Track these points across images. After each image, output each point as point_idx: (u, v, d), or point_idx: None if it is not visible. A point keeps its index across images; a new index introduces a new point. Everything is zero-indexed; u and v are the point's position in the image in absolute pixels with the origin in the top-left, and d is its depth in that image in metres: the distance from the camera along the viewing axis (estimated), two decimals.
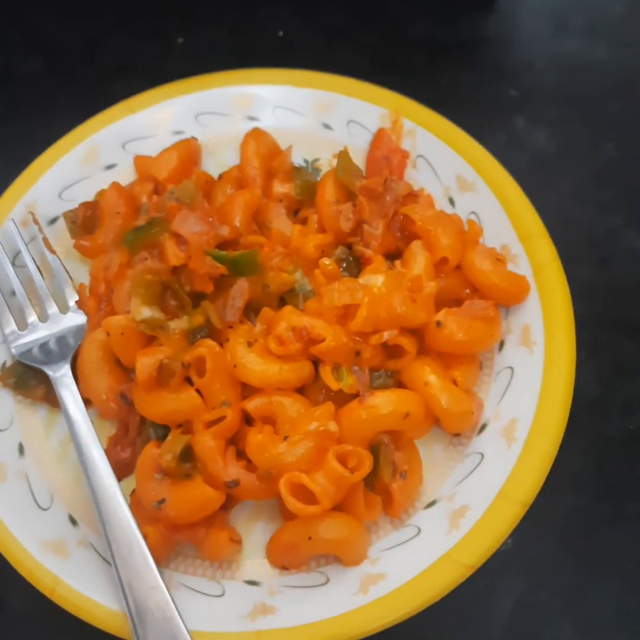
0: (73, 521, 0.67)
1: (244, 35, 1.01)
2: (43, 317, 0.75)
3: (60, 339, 0.73)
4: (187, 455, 0.65)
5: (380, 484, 0.66)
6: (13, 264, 0.77)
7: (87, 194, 0.81)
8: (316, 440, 0.63)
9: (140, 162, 0.82)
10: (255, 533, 0.67)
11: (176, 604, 0.60)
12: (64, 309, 0.75)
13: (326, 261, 0.72)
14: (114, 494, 0.64)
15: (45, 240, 0.78)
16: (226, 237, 0.73)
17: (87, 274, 0.79)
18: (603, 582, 0.69)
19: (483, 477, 0.67)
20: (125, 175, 0.83)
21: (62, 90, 0.97)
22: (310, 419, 0.64)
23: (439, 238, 0.72)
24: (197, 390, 0.66)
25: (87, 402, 0.70)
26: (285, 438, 0.63)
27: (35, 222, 0.78)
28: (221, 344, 0.68)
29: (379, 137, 0.83)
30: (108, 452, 0.68)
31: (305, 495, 0.61)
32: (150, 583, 0.61)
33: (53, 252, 0.78)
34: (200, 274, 0.69)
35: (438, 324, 0.68)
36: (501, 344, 0.74)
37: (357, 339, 0.68)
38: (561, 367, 0.70)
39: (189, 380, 0.67)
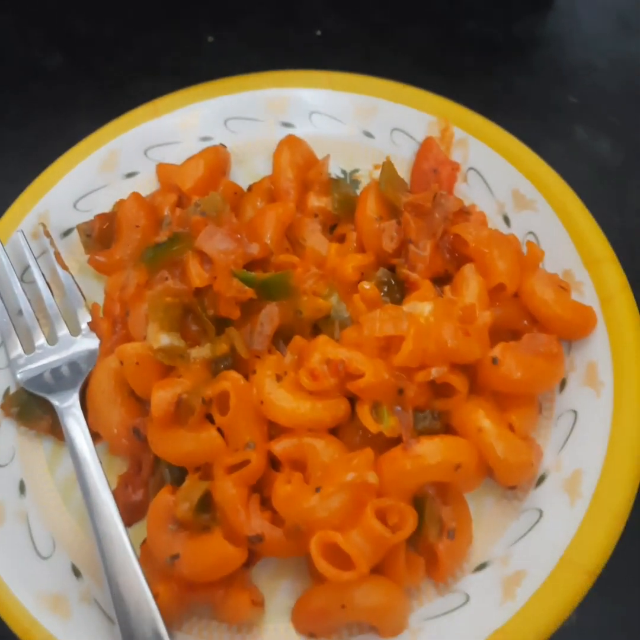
0: (76, 572, 0.60)
1: (279, 34, 0.95)
2: (52, 340, 0.68)
3: (70, 365, 0.67)
4: (206, 504, 0.57)
5: (424, 543, 0.58)
6: (21, 280, 0.70)
7: (104, 204, 0.75)
8: (353, 493, 0.55)
9: (164, 170, 0.76)
10: (279, 594, 0.60)
11: None
12: (75, 331, 0.69)
13: (366, 285, 0.65)
14: (122, 545, 0.57)
15: (57, 254, 0.72)
16: (255, 256, 0.66)
17: (102, 292, 0.72)
18: None
19: (542, 538, 0.59)
20: (147, 184, 0.77)
21: (84, 89, 0.92)
22: (346, 467, 0.56)
23: (495, 262, 0.65)
24: (219, 429, 0.59)
25: (96, 435, 0.64)
26: (317, 489, 0.56)
27: (47, 234, 0.72)
28: (246, 376, 0.61)
29: (426, 147, 0.76)
30: (117, 493, 0.62)
31: (339, 555, 0.54)
32: None
33: (65, 268, 0.72)
34: (226, 298, 0.62)
35: (494, 360, 0.60)
36: (563, 383, 0.66)
37: (401, 375, 0.60)
38: (633, 412, 0.61)
39: (209, 417, 0.60)
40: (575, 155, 0.84)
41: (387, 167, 0.70)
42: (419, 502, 0.58)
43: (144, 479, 0.64)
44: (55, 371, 0.66)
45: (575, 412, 0.64)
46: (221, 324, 0.64)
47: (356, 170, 0.78)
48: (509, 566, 0.58)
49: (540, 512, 0.60)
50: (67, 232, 0.74)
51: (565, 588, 0.56)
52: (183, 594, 0.56)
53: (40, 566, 0.60)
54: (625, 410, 0.62)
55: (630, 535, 0.58)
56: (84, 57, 0.95)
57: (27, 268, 0.71)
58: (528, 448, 0.60)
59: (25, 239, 0.71)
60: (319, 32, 0.95)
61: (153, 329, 0.61)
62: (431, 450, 0.57)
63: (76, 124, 0.84)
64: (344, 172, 0.78)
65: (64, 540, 0.62)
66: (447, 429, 0.61)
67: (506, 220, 0.73)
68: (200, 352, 0.62)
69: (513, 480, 0.61)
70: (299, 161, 0.74)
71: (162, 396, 0.58)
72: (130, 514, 0.62)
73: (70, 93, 0.92)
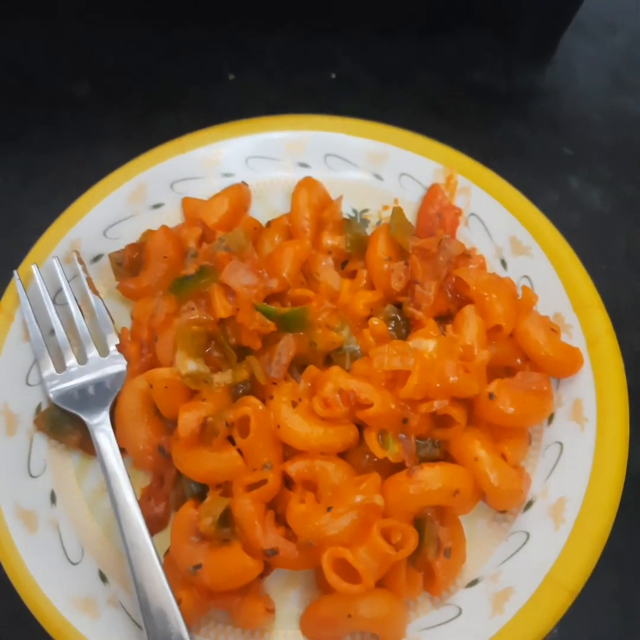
0: (103, 578, 0.65)
1: (296, 74, 1.00)
2: (82, 360, 0.73)
3: (99, 384, 0.71)
4: (226, 518, 0.63)
5: (422, 561, 0.63)
6: (54, 302, 0.75)
7: (132, 232, 0.80)
8: (361, 514, 0.61)
9: (189, 204, 0.81)
10: (289, 602, 0.65)
11: None
12: (103, 352, 0.73)
13: (375, 321, 0.71)
14: (148, 553, 0.62)
15: (88, 279, 0.76)
16: (275, 290, 0.71)
17: (128, 315, 0.78)
18: None
19: (529, 559, 0.65)
20: (172, 215, 0.82)
21: (110, 118, 0.96)
22: (355, 490, 0.62)
23: (494, 304, 0.70)
24: (239, 450, 0.64)
25: (122, 450, 0.68)
26: (329, 509, 0.61)
27: (80, 261, 0.77)
28: (263, 401, 0.66)
29: (432, 193, 0.82)
30: (140, 505, 0.66)
31: (346, 568, 0.59)
32: None
33: (96, 292, 0.76)
34: (249, 330, 0.67)
35: (490, 396, 0.66)
36: (550, 417, 0.71)
37: (406, 405, 0.66)
38: (614, 446, 0.67)
39: (230, 439, 0.65)
40: (568, 204, 0.90)
41: (397, 213, 0.76)
42: (419, 523, 0.63)
43: (165, 492, 0.68)
44: (84, 390, 0.71)
45: (561, 444, 0.70)
46: (242, 352, 0.69)
47: (366, 210, 0.84)
48: (498, 583, 0.64)
49: (528, 535, 0.66)
50: (96, 258, 0.79)
51: (548, 604, 0.61)
52: (203, 601, 0.61)
53: (70, 571, 0.64)
54: (607, 444, 0.67)
55: (608, 558, 0.64)
56: (110, 87, 0.99)
57: (59, 291, 0.75)
58: (518, 476, 0.66)
59: (60, 264, 0.76)
60: (333, 75, 1.00)
61: (181, 356, 0.66)
62: (433, 477, 0.62)
63: (102, 151, 0.90)
64: (354, 211, 0.84)
65: (91, 548, 0.66)
66: (446, 457, 0.67)
67: (503, 263, 0.79)
68: (223, 378, 0.67)
69: (504, 505, 0.67)
70: (315, 201, 0.79)
71: (188, 418, 0.64)
72: (152, 525, 0.67)
73: (97, 121, 0.96)
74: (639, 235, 0.89)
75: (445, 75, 1.01)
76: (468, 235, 0.81)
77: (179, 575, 0.62)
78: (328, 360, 0.71)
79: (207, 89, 0.99)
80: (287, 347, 0.69)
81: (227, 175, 0.84)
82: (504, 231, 0.80)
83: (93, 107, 0.98)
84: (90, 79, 1.01)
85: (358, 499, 0.61)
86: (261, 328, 0.67)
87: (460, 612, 0.63)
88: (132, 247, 0.77)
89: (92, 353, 0.73)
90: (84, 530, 0.67)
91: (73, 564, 0.65)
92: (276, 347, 0.69)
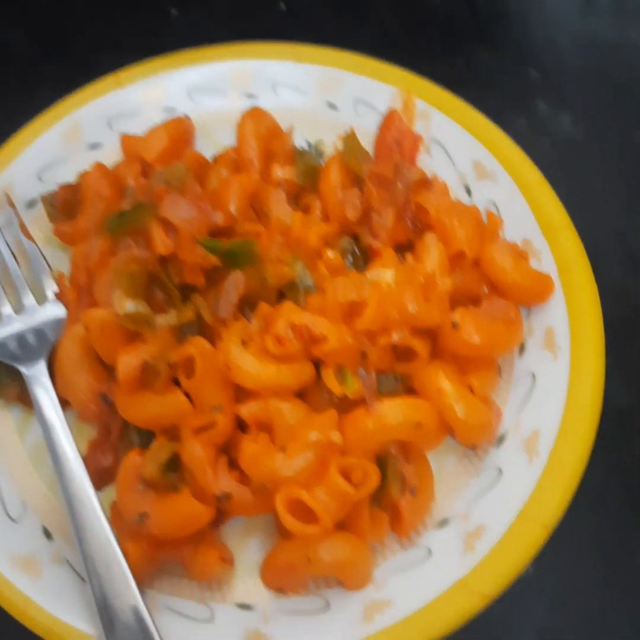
0: (47, 534, 0.61)
1: (244, 8, 0.94)
2: (18, 309, 0.68)
3: (37, 333, 0.67)
4: (174, 465, 0.58)
5: (387, 500, 0.59)
6: None
7: (69, 175, 0.74)
8: (317, 452, 0.56)
9: (128, 141, 0.76)
10: (249, 551, 0.61)
11: (159, 629, 0.55)
12: (41, 300, 0.69)
13: (330, 253, 0.66)
14: (91, 505, 0.58)
15: (21, 225, 0.71)
16: (220, 225, 0.66)
17: (69, 262, 0.72)
18: (634, 609, 0.63)
19: (501, 495, 0.61)
20: (111, 155, 0.76)
21: (47, 63, 0.91)
22: (310, 428, 0.58)
23: (455, 230, 0.66)
24: (186, 393, 0.60)
25: (65, 402, 0.64)
26: (283, 449, 0.57)
27: (11, 204, 0.72)
28: (213, 342, 0.61)
29: (389, 119, 0.77)
30: (87, 458, 0.63)
31: (304, 512, 0.55)
32: (130, 605, 0.55)
33: (30, 238, 0.71)
34: (190, 265, 0.63)
35: (454, 325, 0.62)
36: (522, 348, 0.67)
37: (364, 339, 0.61)
38: (589, 374, 0.63)
39: (176, 382, 0.60)
40: (538, 129, 0.85)
41: (351, 139, 0.71)
42: (381, 460, 0.59)
43: (113, 443, 0.64)
44: (21, 339, 0.66)
45: (533, 374, 0.65)
46: (187, 292, 0.64)
47: (320, 141, 0.78)
48: (470, 521, 0.60)
49: (500, 470, 0.62)
50: (32, 204, 0.74)
51: (522, 541, 0.57)
52: (152, 552, 0.57)
53: (11, 529, 0.60)
54: (582, 373, 0.63)
55: (586, 495, 0.60)
56: (46, 33, 0.94)
57: None
58: (487, 409, 0.62)
59: None
60: (283, 6, 0.94)
61: (118, 296, 0.61)
62: (392, 410, 0.58)
63: (39, 99, 0.84)
64: (308, 143, 0.78)
65: (34, 504, 0.62)
66: (409, 392, 0.63)
67: (468, 190, 0.75)
68: (166, 319, 0.62)
69: (473, 440, 0.63)
70: (263, 132, 0.74)
71: (127, 361, 0.59)
72: (101, 478, 0.63)
73: (33, 69, 0.90)
74: (613, 161, 0.85)
75: (402, 3, 0.95)
76: (429, 163, 0.76)
77: (126, 526, 0.58)
78: (282, 298, 0.66)
79: (149, 27, 0.93)
80: (235, 283, 0.64)
81: (168, 110, 0.79)
82: (467, 156, 0.75)
83: (29, 55, 0.92)
84: (25, 28, 0.94)
85: (313, 436, 0.57)
86: (203, 262, 0.62)
87: (430, 554, 0.60)
88: (65, 188, 0.71)
89: (29, 300, 0.68)
90: (26, 487, 0.63)
91: (13, 521, 0.61)
92: (224, 285, 0.64)
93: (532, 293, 0.67)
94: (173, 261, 0.64)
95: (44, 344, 0.66)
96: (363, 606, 0.57)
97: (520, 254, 0.68)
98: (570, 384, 0.63)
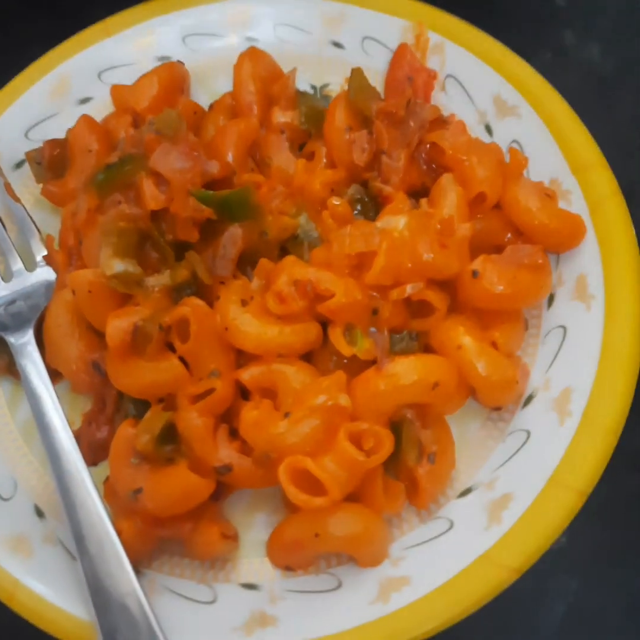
0: (39, 513, 0.57)
1: None
2: (6, 275, 0.65)
3: (26, 299, 0.63)
4: (170, 435, 0.54)
5: (403, 469, 0.55)
6: None
7: (58, 132, 0.69)
8: (324, 417, 0.52)
9: (118, 92, 0.70)
10: (254, 527, 0.57)
11: (157, 613, 0.51)
12: (30, 265, 0.65)
13: (336, 201, 0.61)
14: (82, 481, 0.55)
15: (7, 186, 0.67)
16: (215, 175, 0.61)
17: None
18: None
19: (530, 460, 0.55)
20: (102, 109, 0.71)
21: (35, 21, 0.85)
22: (317, 391, 0.53)
23: (475, 170, 0.60)
24: (181, 358, 0.55)
25: (57, 373, 0.60)
26: (287, 414, 0.52)
27: None
28: (211, 304, 0.57)
29: (399, 54, 0.70)
30: (82, 432, 0.60)
31: (312, 483, 0.51)
32: (125, 587, 0.51)
33: (17, 200, 0.67)
34: (182, 219, 0.58)
35: (474, 273, 0.56)
36: (551, 298, 0.61)
37: (374, 294, 0.56)
38: (625, 325, 0.57)
39: (171, 347, 0.56)
40: (564, 62, 0.79)
41: (357, 75, 0.65)
42: (396, 426, 0.54)
43: (108, 415, 0.60)
44: (10, 306, 0.63)
45: (564, 328, 0.60)
46: (181, 249, 0.59)
47: (326, 85, 0.73)
48: (495, 490, 0.55)
49: (528, 433, 0.57)
50: (19, 164, 0.70)
51: (554, 508, 0.52)
52: (148, 530, 0.53)
53: (1, 507, 0.57)
54: (617, 324, 0.57)
55: (621, 454, 0.54)
56: None
57: None
58: (512, 366, 0.57)
59: None
60: None
61: (106, 255, 0.57)
62: (406, 369, 0.53)
63: (29, 57, 0.79)
64: (313, 87, 0.73)
65: (26, 482, 0.59)
66: (426, 350, 0.58)
67: (488, 129, 0.68)
68: (159, 280, 0.58)
69: (497, 401, 0.57)
70: (262, 74, 0.68)
71: (117, 325, 0.54)
72: (96, 453, 0.59)
73: (21, 27, 0.85)
74: None
75: None
76: (445, 101, 0.70)
77: (121, 503, 0.54)
78: (285, 253, 0.61)
79: None
80: (232, 238, 0.59)
81: (162, 58, 0.73)
82: (487, 91, 0.68)
83: (17, 13, 0.86)
84: None
85: (320, 400, 0.52)
86: (196, 214, 0.57)
87: (451, 526, 0.55)
88: (51, 143, 0.67)
89: (17, 266, 0.65)
90: (18, 464, 0.60)
91: (3, 499, 0.57)
92: (220, 240, 0.59)
93: (561, 236, 0.61)
94: (165, 216, 0.59)
95: (34, 311, 0.62)
96: (378, 585, 0.53)
97: (547, 194, 0.62)
98: (604, 337, 0.57)
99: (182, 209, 0.57)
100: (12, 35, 0.85)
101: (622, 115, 0.77)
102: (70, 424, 0.58)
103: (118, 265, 0.57)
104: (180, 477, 0.52)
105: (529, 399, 0.58)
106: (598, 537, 0.59)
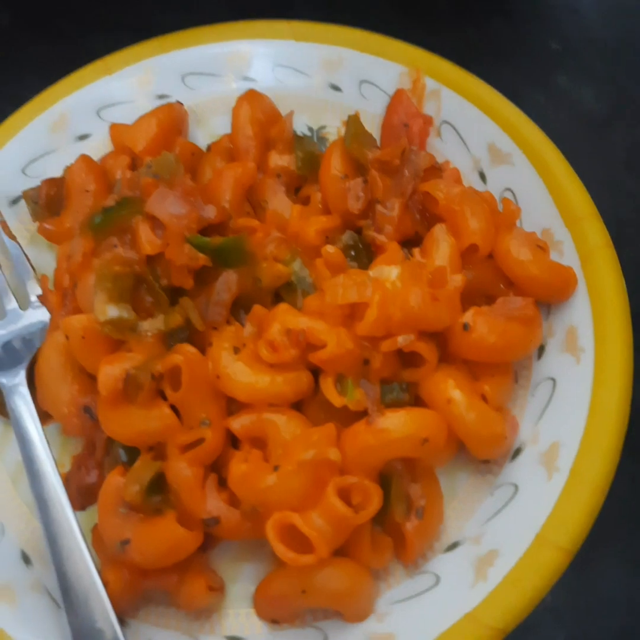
0: (26, 559, 0.57)
1: None
2: (0, 314, 0.64)
3: (20, 339, 0.63)
4: (159, 485, 0.54)
5: (391, 523, 0.55)
6: None
7: (56, 169, 0.70)
8: (313, 471, 0.52)
9: (117, 131, 0.71)
10: (240, 578, 0.57)
11: None
12: (24, 304, 0.65)
13: (330, 249, 0.61)
14: (70, 531, 0.54)
15: (3, 224, 0.67)
16: (212, 220, 0.61)
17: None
18: None
19: (517, 515, 0.55)
20: (100, 146, 0.72)
21: (35, 47, 0.85)
22: (306, 444, 0.53)
23: (467, 221, 0.60)
24: (173, 407, 0.55)
25: (48, 415, 0.60)
26: (276, 468, 0.52)
27: None
28: (203, 349, 0.57)
29: (396, 100, 0.71)
30: (71, 475, 0.59)
31: (299, 537, 0.50)
32: (109, 638, 0.51)
33: (13, 238, 0.67)
34: (177, 266, 0.58)
35: (465, 326, 0.56)
36: (541, 349, 0.62)
37: (366, 344, 0.56)
38: (615, 380, 0.57)
39: (163, 395, 0.56)
40: (557, 105, 0.79)
41: (354, 122, 0.66)
42: (385, 479, 0.54)
43: (98, 459, 0.60)
44: (3, 346, 0.62)
45: (554, 380, 0.60)
46: (176, 294, 0.59)
47: (323, 127, 0.73)
48: (482, 545, 0.55)
49: (516, 487, 0.57)
50: (16, 200, 0.70)
51: (539, 567, 0.52)
52: (135, 581, 0.53)
53: None
54: (606, 378, 0.57)
55: (609, 511, 0.55)
56: (34, 15, 0.89)
57: None
58: (502, 420, 0.57)
59: None
60: None
61: (100, 300, 0.57)
62: (396, 424, 0.53)
63: (28, 84, 0.79)
64: (310, 129, 0.73)
65: (14, 527, 0.58)
66: (417, 402, 0.58)
67: (482, 176, 0.69)
68: (153, 325, 0.58)
69: (486, 454, 0.57)
70: (260, 117, 0.69)
71: (109, 372, 0.54)
72: (85, 497, 0.59)
73: (20, 53, 0.86)
74: None
75: None
76: (440, 147, 0.70)
77: (107, 553, 0.53)
78: (279, 300, 0.61)
79: (142, 5, 0.87)
80: (226, 284, 0.59)
81: (161, 97, 0.74)
82: (482, 138, 0.69)
83: (16, 38, 0.87)
84: (10, 10, 0.89)
85: (309, 454, 0.52)
86: (191, 262, 0.57)
87: (437, 581, 0.54)
88: (49, 182, 0.67)
89: (11, 305, 0.65)
90: (5, 507, 0.59)
91: None
92: (214, 286, 0.59)
93: (552, 288, 0.61)
94: (160, 261, 0.59)
95: (27, 352, 0.62)
96: None
97: (539, 246, 0.62)
98: (594, 392, 0.57)
99: (178, 257, 0.57)
100: (8, 63, 0.85)
101: (614, 156, 0.78)
102: (59, 466, 0.58)
103: (112, 311, 0.57)
104: (168, 530, 0.52)
105: (518, 451, 0.58)
106: (584, 594, 0.58)
